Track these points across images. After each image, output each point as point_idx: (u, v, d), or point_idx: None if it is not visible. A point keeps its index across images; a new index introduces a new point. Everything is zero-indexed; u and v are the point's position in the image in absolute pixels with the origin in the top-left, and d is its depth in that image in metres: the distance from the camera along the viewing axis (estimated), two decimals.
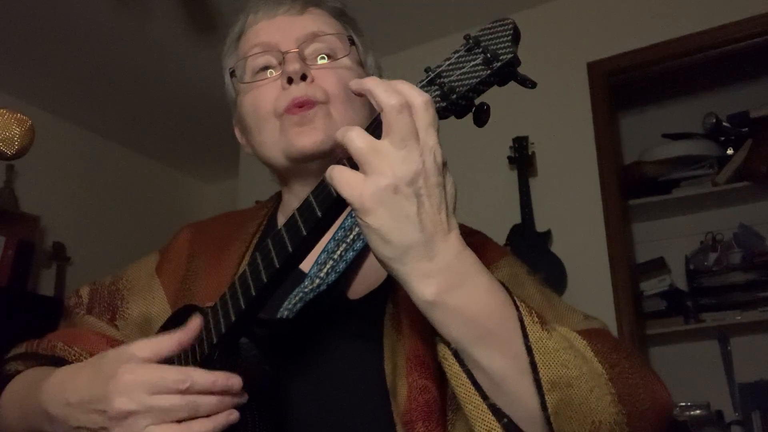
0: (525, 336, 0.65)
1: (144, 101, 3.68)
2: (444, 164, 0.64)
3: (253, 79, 0.93)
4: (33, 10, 2.93)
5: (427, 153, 0.62)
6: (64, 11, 2.95)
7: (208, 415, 0.67)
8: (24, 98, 3.50)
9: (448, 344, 0.66)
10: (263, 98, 0.91)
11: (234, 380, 0.68)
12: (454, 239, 0.64)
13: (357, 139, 0.62)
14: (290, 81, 0.89)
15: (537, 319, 0.67)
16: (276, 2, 0.95)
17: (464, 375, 0.66)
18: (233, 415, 0.68)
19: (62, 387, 0.74)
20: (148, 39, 3.17)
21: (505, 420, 0.65)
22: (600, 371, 0.68)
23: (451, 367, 0.67)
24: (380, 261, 0.65)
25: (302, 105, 0.88)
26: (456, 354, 0.66)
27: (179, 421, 0.67)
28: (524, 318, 0.66)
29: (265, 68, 0.93)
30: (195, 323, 0.72)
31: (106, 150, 4.04)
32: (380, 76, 1.01)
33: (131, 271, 1.01)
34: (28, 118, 0.80)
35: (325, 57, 0.92)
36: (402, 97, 0.62)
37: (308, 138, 0.88)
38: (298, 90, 0.88)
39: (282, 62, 0.91)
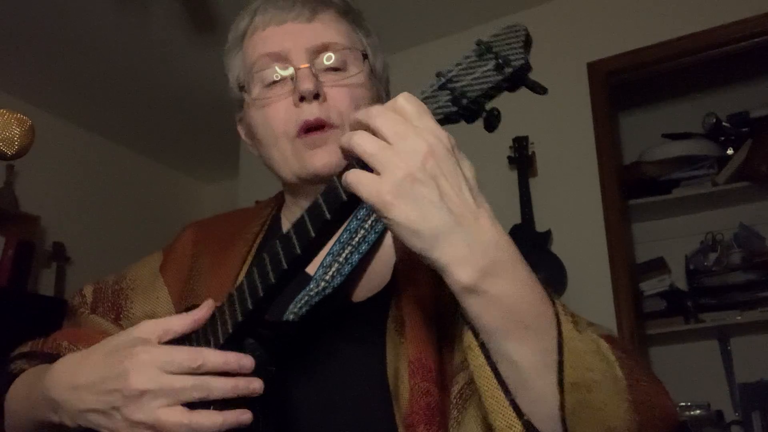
0: (559, 333, 0.64)
1: (144, 101, 3.68)
2: (454, 146, 0.63)
3: (264, 96, 0.91)
4: (33, 10, 2.93)
5: (428, 134, 0.61)
6: (65, 11, 2.95)
7: (221, 403, 0.68)
8: (24, 98, 3.50)
9: (476, 335, 0.65)
10: (274, 116, 0.89)
11: (246, 360, 0.69)
12: (487, 221, 0.62)
13: (364, 143, 0.62)
14: (302, 98, 0.87)
15: (571, 318, 0.66)
16: (284, 6, 0.92)
17: (489, 368, 0.64)
18: (245, 416, 0.68)
19: (69, 371, 0.75)
20: (149, 39, 3.17)
21: (525, 418, 0.64)
22: (620, 376, 0.68)
23: (477, 358, 0.65)
24: (417, 254, 0.64)
25: (315, 128, 0.87)
26: (483, 345, 0.64)
27: (191, 408, 0.67)
28: (560, 315, 0.65)
29: (275, 81, 0.90)
30: (209, 305, 0.74)
31: (106, 150, 4.04)
32: (387, 78, 1.00)
33: (135, 270, 1.01)
34: (28, 118, 0.80)
35: (337, 68, 0.90)
36: (380, 106, 0.63)
37: (321, 160, 0.87)
38: (311, 111, 0.86)
39: (293, 78, 0.88)
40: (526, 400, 0.64)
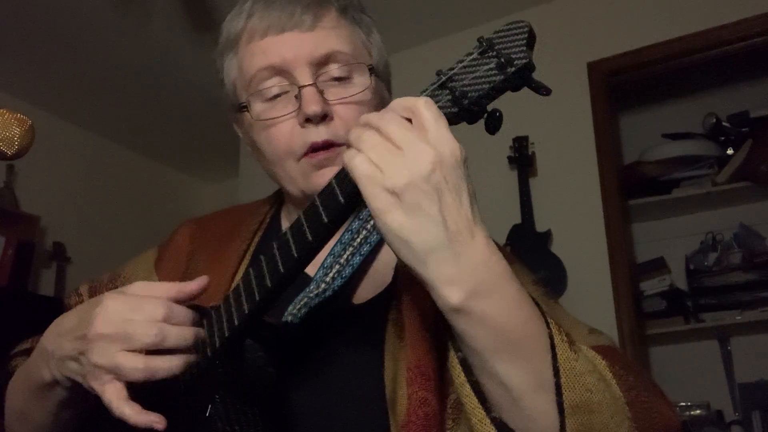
0: (554, 356, 0.62)
1: (144, 101, 3.68)
2: (465, 160, 0.61)
3: (266, 115, 0.86)
4: (33, 10, 2.93)
5: (441, 144, 0.59)
6: (65, 11, 2.95)
7: (174, 351, 0.68)
8: (24, 98, 3.50)
9: (456, 351, 0.64)
10: (279, 137, 0.86)
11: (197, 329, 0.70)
12: (482, 241, 0.61)
13: (371, 140, 0.61)
14: (308, 119, 0.83)
15: (566, 338, 0.64)
16: (282, 12, 0.86)
17: (468, 386, 0.64)
18: (192, 357, 0.69)
19: (59, 321, 0.77)
20: (149, 39, 3.17)
21: None
22: (618, 395, 0.67)
23: (458, 376, 0.65)
24: (404, 264, 0.63)
25: (322, 147, 0.84)
26: (463, 362, 0.64)
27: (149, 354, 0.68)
28: (554, 336, 0.63)
29: (278, 95, 0.86)
30: (202, 280, 0.73)
31: (106, 150, 4.04)
32: (389, 80, 0.96)
33: (129, 268, 1.01)
34: (28, 118, 0.80)
35: (342, 77, 0.86)
36: (393, 113, 0.62)
37: (328, 179, 0.84)
38: (318, 134, 0.83)
39: (297, 96, 0.84)
40: (518, 418, 0.63)
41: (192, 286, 0.73)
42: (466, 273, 0.60)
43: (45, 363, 0.76)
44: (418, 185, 0.58)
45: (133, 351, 0.67)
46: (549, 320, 0.65)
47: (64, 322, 0.75)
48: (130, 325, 0.67)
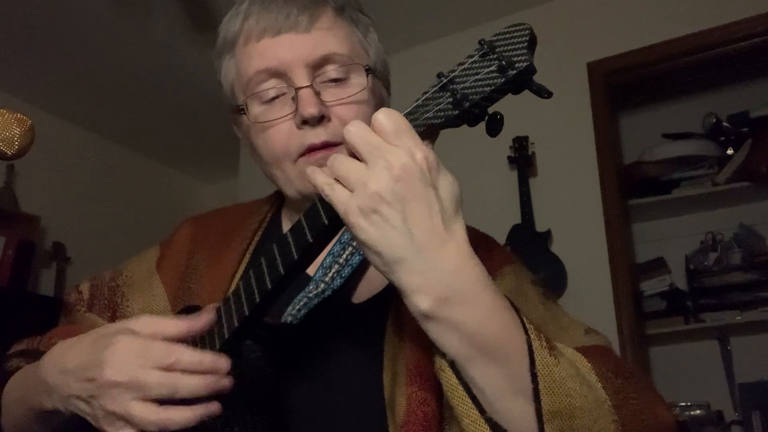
0: (532, 362, 0.63)
1: (144, 101, 3.68)
2: (433, 166, 0.62)
3: (264, 117, 0.86)
4: (33, 10, 2.93)
5: (404, 154, 0.60)
6: (64, 11, 2.95)
7: (189, 399, 0.67)
8: (24, 98, 3.50)
9: (444, 356, 0.64)
10: (276, 139, 0.86)
11: (222, 362, 0.67)
12: (454, 250, 0.62)
13: (338, 166, 0.63)
14: (305, 122, 0.83)
15: (546, 344, 0.65)
16: (278, 13, 0.86)
17: (461, 388, 0.64)
18: (214, 407, 0.67)
19: (61, 355, 0.75)
20: (149, 39, 3.17)
21: None
22: (603, 398, 0.67)
23: (448, 379, 0.65)
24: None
25: (320, 149, 0.84)
26: (453, 365, 0.64)
27: (162, 403, 0.67)
28: (533, 343, 0.64)
29: (275, 97, 0.86)
30: (209, 314, 0.72)
31: (106, 150, 4.04)
32: (387, 79, 0.96)
33: (131, 266, 1.00)
34: (28, 118, 0.80)
35: (339, 78, 0.86)
36: (360, 123, 0.63)
37: None
38: (316, 135, 0.83)
39: (294, 98, 0.84)
40: (499, 420, 0.63)
41: (200, 323, 0.71)
42: (435, 281, 0.61)
43: (46, 394, 0.75)
44: (382, 199, 0.60)
45: (146, 400, 0.66)
46: (528, 326, 0.65)
47: (68, 358, 0.73)
48: (143, 374, 0.66)
